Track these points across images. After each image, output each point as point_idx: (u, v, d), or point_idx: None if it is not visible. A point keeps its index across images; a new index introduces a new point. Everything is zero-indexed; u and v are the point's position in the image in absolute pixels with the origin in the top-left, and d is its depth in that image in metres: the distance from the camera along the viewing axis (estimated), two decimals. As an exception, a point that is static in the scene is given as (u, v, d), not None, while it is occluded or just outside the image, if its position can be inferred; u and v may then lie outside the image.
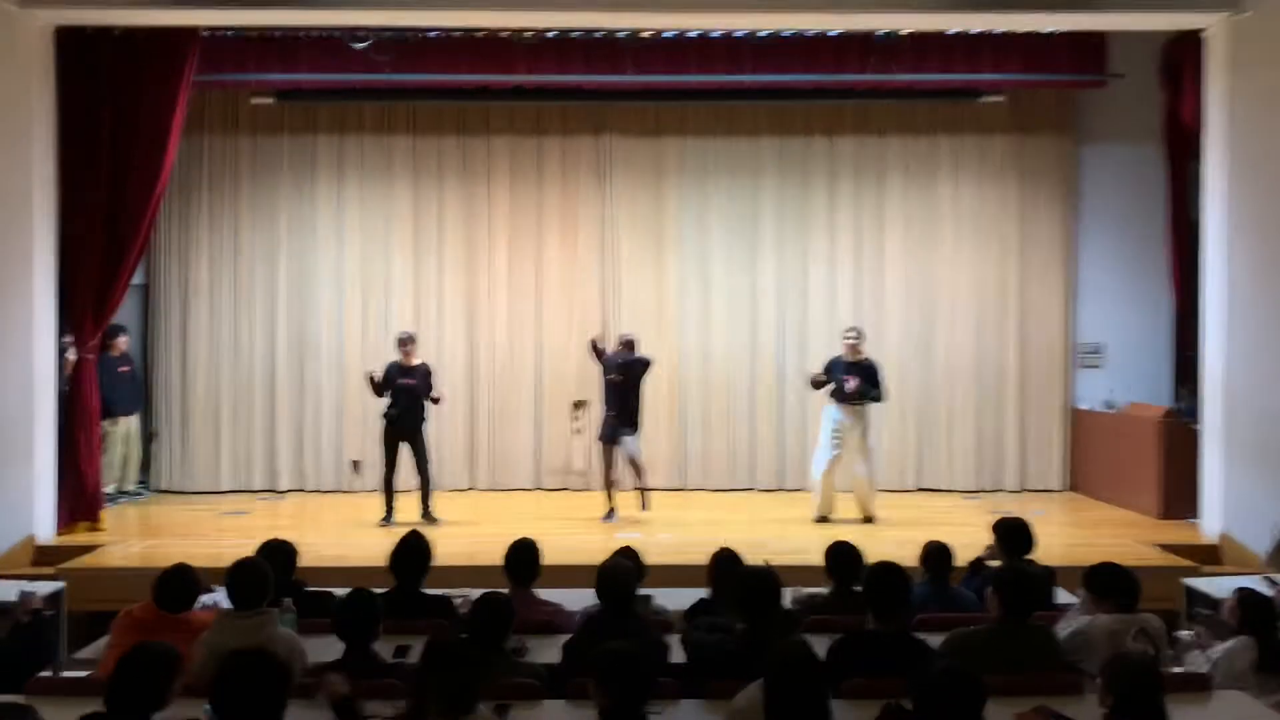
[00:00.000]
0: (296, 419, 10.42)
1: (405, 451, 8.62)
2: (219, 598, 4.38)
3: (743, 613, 3.95)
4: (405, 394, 8.52)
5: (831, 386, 8.75)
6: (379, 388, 8.58)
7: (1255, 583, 5.82)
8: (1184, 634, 4.71)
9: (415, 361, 8.64)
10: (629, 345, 8.76)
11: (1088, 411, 10.24)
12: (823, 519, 8.73)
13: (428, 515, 8.52)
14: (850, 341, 8.76)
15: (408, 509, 8.58)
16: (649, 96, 10.13)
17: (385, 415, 8.59)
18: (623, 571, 4.24)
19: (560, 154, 10.60)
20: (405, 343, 8.60)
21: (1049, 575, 5.26)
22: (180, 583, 4.29)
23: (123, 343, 9.53)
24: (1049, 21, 8.47)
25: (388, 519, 8.51)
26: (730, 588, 4.12)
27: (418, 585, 4.76)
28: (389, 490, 8.60)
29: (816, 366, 9.05)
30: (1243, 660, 4.29)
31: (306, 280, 10.46)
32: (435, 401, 8.67)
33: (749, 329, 10.55)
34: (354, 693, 3.40)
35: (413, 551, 4.80)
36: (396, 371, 8.58)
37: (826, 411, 8.80)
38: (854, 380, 8.58)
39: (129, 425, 9.66)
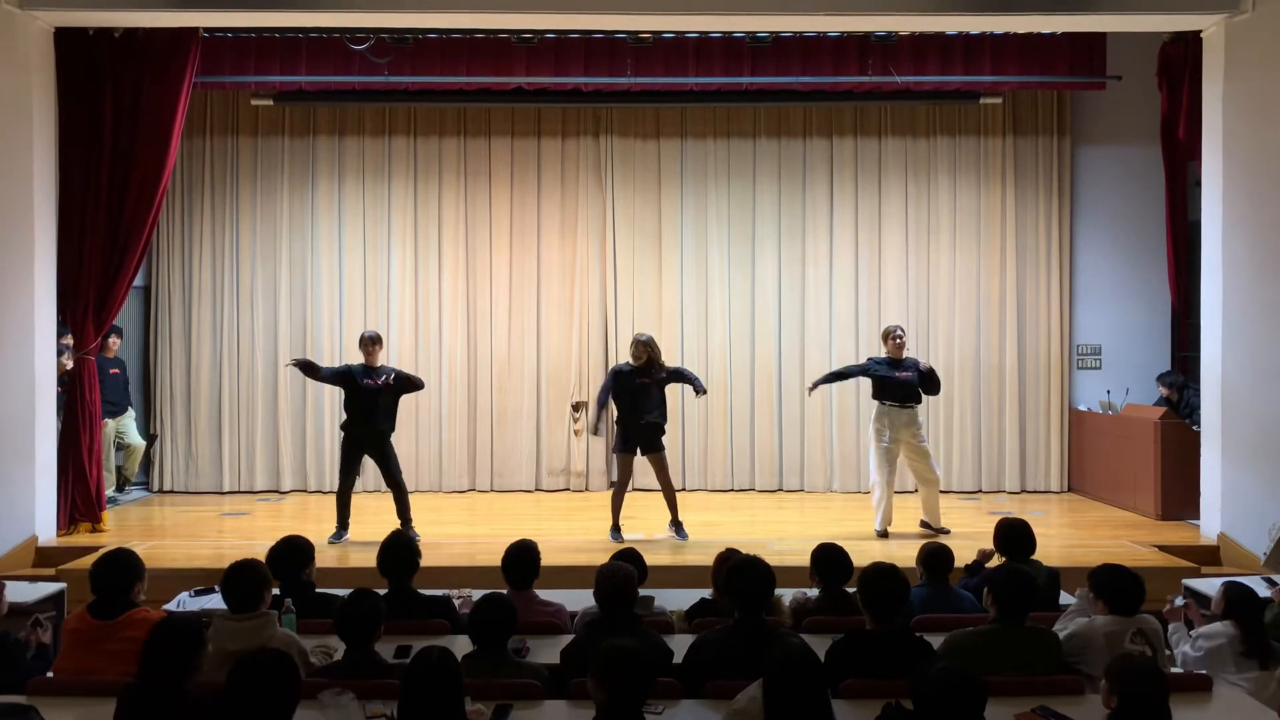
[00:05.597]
0: (298, 420, 10.42)
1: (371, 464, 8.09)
2: (217, 599, 4.37)
3: (739, 602, 3.98)
4: (368, 398, 7.68)
5: (876, 386, 8.21)
6: (309, 369, 7.81)
7: (1254, 583, 5.84)
8: (1173, 629, 4.80)
9: (379, 363, 7.89)
10: (654, 351, 7.99)
11: (1087, 412, 10.26)
12: (884, 534, 8.04)
13: (407, 528, 7.70)
14: (899, 340, 8.21)
15: (381, 524, 7.50)
16: (649, 98, 10.14)
17: (343, 425, 7.82)
18: (622, 573, 4.24)
19: (560, 155, 10.60)
20: (372, 342, 7.83)
21: (1054, 577, 5.27)
22: (109, 588, 4.12)
23: (114, 344, 9.52)
24: (1048, 22, 8.47)
25: (339, 535, 7.75)
26: (725, 577, 4.14)
27: (408, 583, 4.74)
28: (345, 504, 7.82)
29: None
30: (1223, 641, 4.42)
31: (307, 281, 10.47)
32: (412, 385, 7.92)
33: (748, 330, 10.55)
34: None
35: (399, 551, 4.78)
36: (361, 373, 7.78)
37: (878, 412, 8.15)
38: (909, 373, 8.10)
39: (120, 426, 9.65)
